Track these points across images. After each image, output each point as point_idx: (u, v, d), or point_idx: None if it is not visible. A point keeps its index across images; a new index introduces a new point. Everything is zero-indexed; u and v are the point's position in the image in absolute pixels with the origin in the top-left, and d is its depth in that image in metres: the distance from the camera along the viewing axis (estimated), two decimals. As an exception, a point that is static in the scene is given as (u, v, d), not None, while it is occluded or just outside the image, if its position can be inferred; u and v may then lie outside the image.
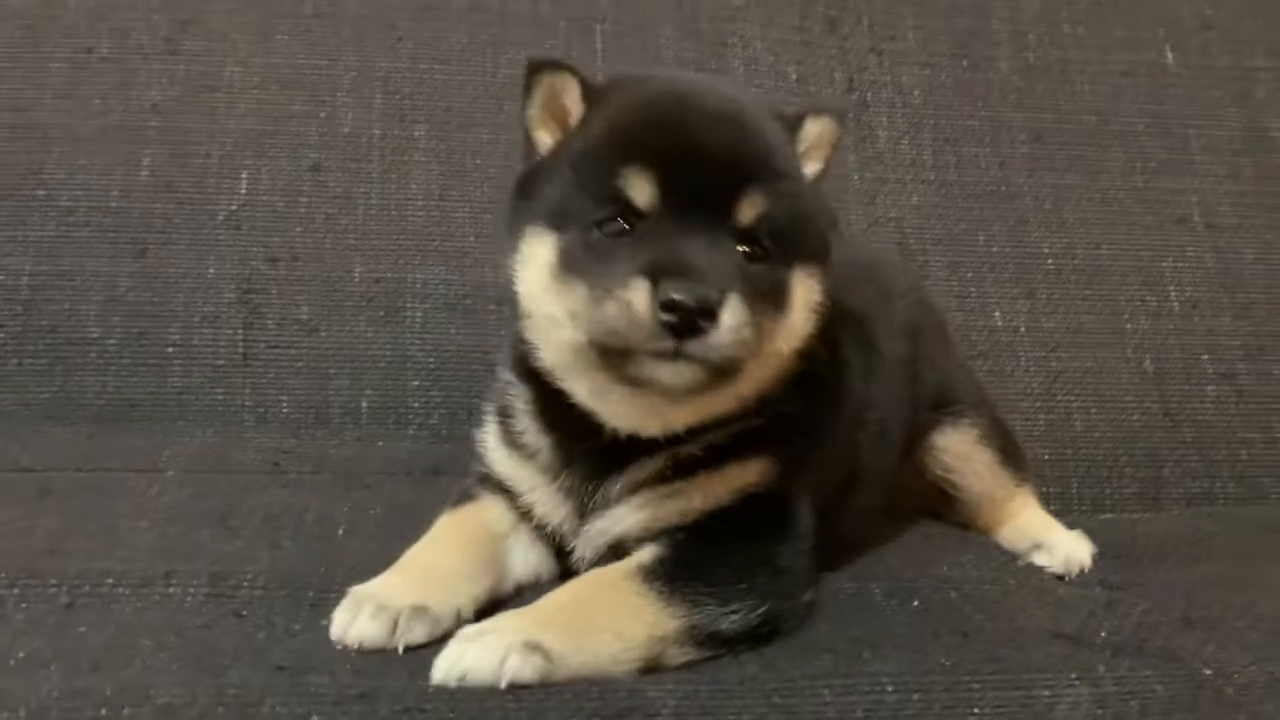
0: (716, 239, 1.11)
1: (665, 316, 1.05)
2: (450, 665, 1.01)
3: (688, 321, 1.05)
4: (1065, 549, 1.56)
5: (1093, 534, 1.63)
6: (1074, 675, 1.06)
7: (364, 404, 2.01)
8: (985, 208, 2.27)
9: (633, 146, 1.13)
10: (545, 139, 1.23)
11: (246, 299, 2.06)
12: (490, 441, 1.32)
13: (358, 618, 1.11)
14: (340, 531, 1.49)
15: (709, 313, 1.05)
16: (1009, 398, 2.09)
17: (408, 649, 1.10)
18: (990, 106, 2.36)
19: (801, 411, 1.24)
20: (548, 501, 1.27)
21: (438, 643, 1.09)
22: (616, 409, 1.19)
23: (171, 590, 1.24)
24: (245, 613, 1.20)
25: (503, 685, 0.99)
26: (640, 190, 1.11)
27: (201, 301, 2.05)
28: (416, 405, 2.02)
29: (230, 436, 1.89)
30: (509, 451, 1.29)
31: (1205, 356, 2.18)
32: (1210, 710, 1.01)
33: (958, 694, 1.02)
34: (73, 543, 1.39)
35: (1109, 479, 2.07)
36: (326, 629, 1.14)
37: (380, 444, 1.89)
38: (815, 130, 1.25)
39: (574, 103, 1.21)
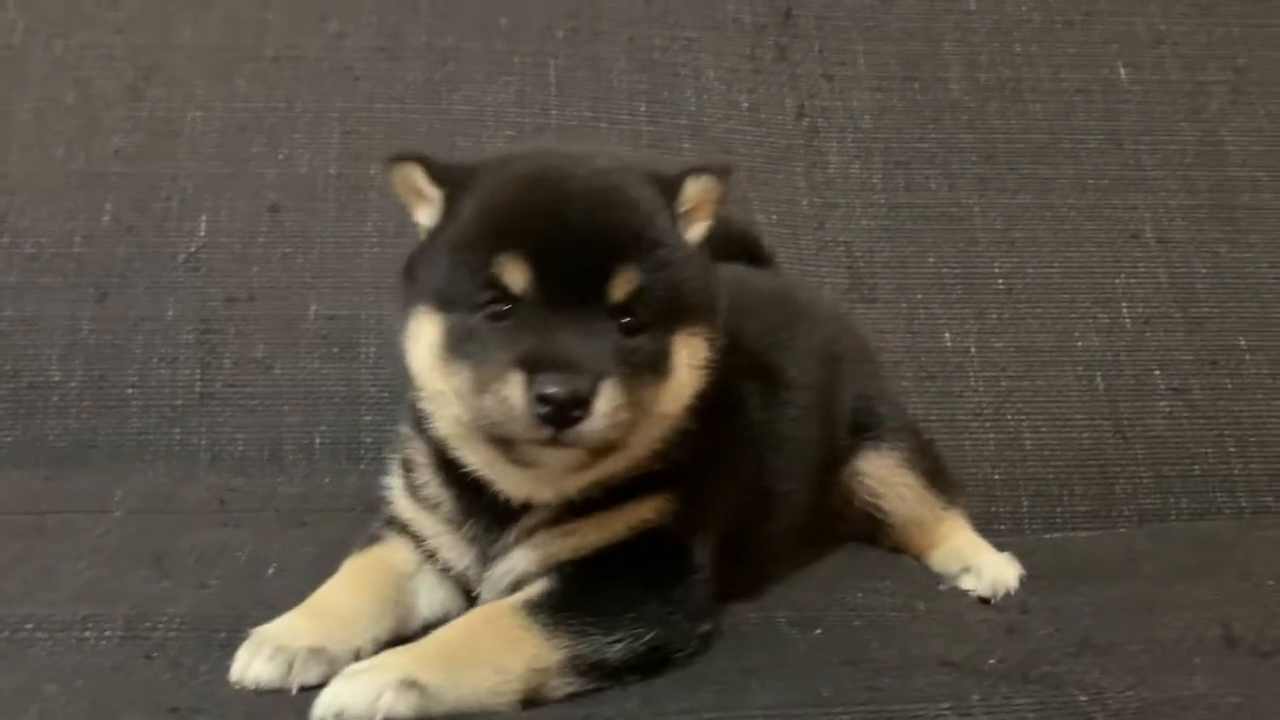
0: (591, 319, 1.13)
1: (540, 409, 1.08)
2: (328, 703, 1.04)
3: (562, 413, 1.08)
4: (992, 572, 1.57)
5: (1028, 555, 1.64)
6: (946, 705, 1.07)
7: (317, 440, 2.05)
8: (935, 230, 2.28)
9: (504, 233, 1.15)
10: (423, 221, 1.27)
11: (204, 339, 2.11)
12: (395, 490, 1.36)
13: (255, 659, 1.14)
14: (270, 570, 1.53)
15: (582, 403, 1.08)
16: (959, 419, 2.11)
17: (304, 689, 1.13)
18: (941, 128, 2.38)
19: (698, 449, 1.26)
20: (452, 548, 1.30)
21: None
22: (508, 480, 1.23)
23: (87, 634, 1.28)
24: (155, 655, 1.24)
25: None
26: (514, 276, 1.13)
27: (160, 343, 2.10)
28: (369, 440, 2.05)
29: (182, 476, 1.94)
30: (412, 501, 1.32)
31: (1157, 372, 2.18)
32: (1075, 737, 1.02)
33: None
34: (6, 587, 1.44)
35: (1060, 497, 2.07)
36: (227, 669, 1.17)
37: (327, 480, 1.93)
38: (696, 190, 1.24)
39: (428, 188, 1.25)
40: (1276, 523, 1.97)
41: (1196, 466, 2.11)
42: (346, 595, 1.27)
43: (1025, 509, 2.06)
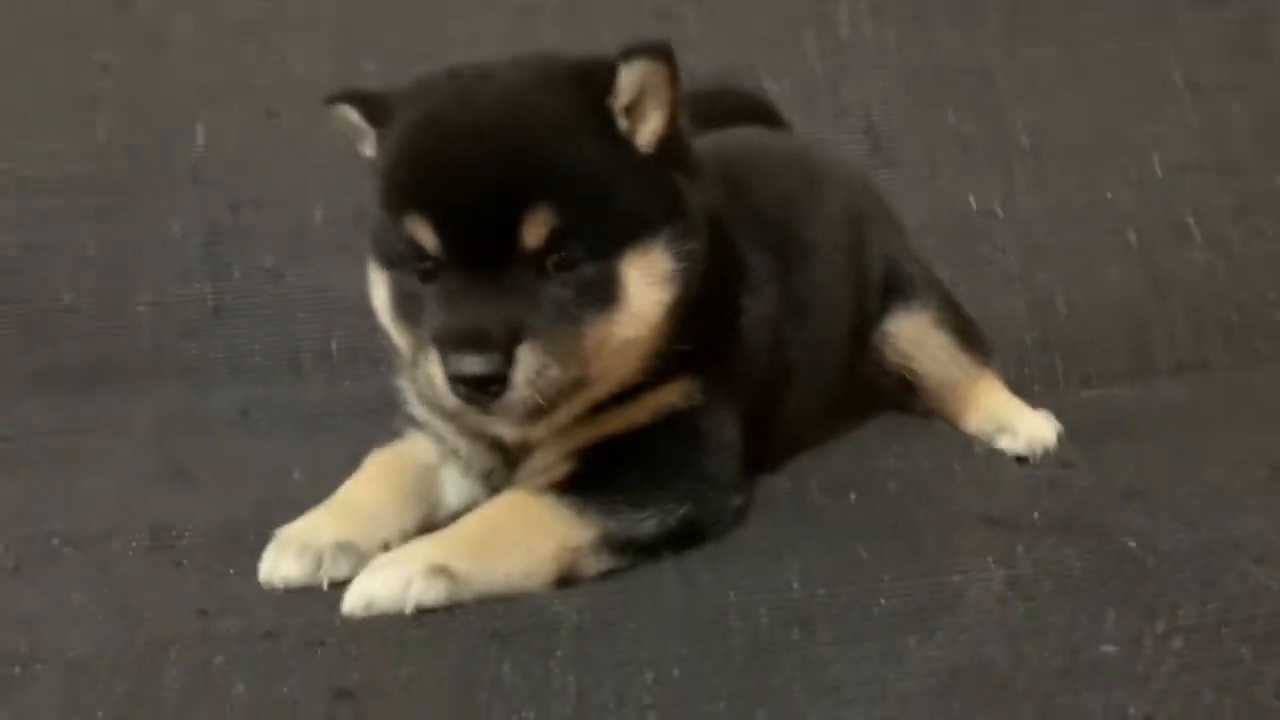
0: (508, 273, 1.07)
1: (457, 389, 1.05)
2: (357, 594, 1.02)
3: (479, 391, 1.05)
4: (1029, 430, 1.54)
5: (1065, 413, 1.60)
6: (991, 559, 1.04)
7: (334, 346, 2.01)
8: (955, 88, 2.20)
9: (407, 193, 1.10)
10: (370, 155, 1.22)
11: (212, 251, 2.06)
12: (409, 395, 1.32)
13: (282, 557, 1.13)
14: (295, 475, 1.51)
15: (499, 378, 1.04)
16: (988, 281, 2.05)
17: (334, 585, 1.11)
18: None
19: (716, 326, 1.22)
20: (475, 454, 1.27)
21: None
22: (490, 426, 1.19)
23: (113, 546, 1.26)
24: (183, 562, 1.22)
25: (408, 610, 1.00)
26: (425, 237, 1.09)
27: (169, 258, 2.06)
28: (386, 343, 2.02)
29: (202, 390, 1.91)
30: (429, 408, 1.28)
31: (1192, 221, 2.11)
32: (1126, 581, 0.98)
33: (864, 586, 1.00)
34: (32, 508, 1.43)
35: (1096, 355, 2.02)
36: (253, 572, 1.16)
37: (348, 384, 1.90)
38: (632, 79, 1.11)
39: (365, 126, 1.20)
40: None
41: (1235, 315, 2.05)
42: (371, 490, 1.24)
43: (1061, 369, 2.01)
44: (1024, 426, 1.54)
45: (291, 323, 2.02)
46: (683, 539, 1.14)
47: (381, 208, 1.14)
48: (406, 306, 1.14)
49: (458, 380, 1.05)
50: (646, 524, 1.11)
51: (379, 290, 1.19)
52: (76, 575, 1.20)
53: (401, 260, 1.13)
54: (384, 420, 1.72)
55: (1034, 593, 0.98)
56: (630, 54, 1.11)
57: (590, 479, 1.14)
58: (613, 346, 1.12)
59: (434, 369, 1.07)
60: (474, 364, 1.03)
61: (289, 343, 2.01)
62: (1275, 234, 2.10)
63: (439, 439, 1.30)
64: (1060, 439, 1.53)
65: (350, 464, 1.51)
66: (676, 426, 1.19)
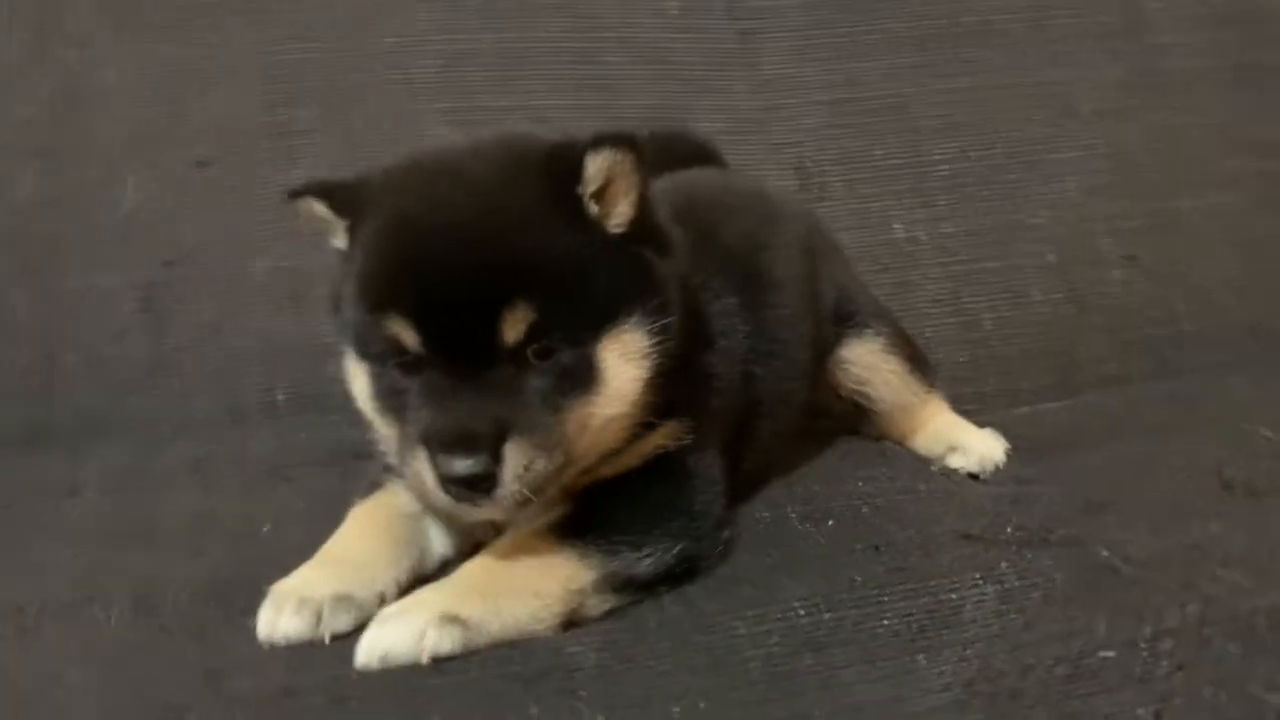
0: (491, 368, 1.08)
1: (449, 488, 1.07)
2: (371, 648, 1.03)
3: (470, 489, 1.06)
4: (979, 448, 1.60)
5: (1006, 430, 1.67)
6: (978, 575, 1.09)
7: (280, 396, 1.99)
8: (878, 122, 2.28)
9: (386, 294, 1.11)
10: (339, 245, 1.23)
11: (148, 306, 2.03)
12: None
13: (281, 614, 1.12)
14: (265, 529, 1.49)
15: (488, 477, 1.05)
16: (918, 306, 2.13)
17: (334, 639, 1.11)
18: (873, 18, 2.36)
19: (695, 369, 1.26)
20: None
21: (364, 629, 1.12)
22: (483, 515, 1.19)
23: (95, 615, 1.24)
24: (172, 628, 1.20)
25: (424, 660, 1.01)
26: (406, 336, 1.10)
27: (102, 315, 2.02)
28: (334, 390, 1.99)
29: (147, 448, 1.87)
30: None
31: (1107, 240, 2.23)
32: (1108, 589, 1.05)
33: (866, 609, 1.05)
34: (-5, 578, 1.39)
35: (1024, 373, 2.11)
36: (253, 630, 1.15)
37: (302, 435, 1.88)
38: (597, 167, 1.13)
39: (333, 219, 1.21)
40: (1231, 375, 2.02)
41: (1150, 329, 2.17)
42: (360, 541, 1.24)
43: (990, 388, 2.09)
44: (974, 445, 1.61)
45: (234, 376, 2.00)
46: (679, 574, 1.17)
47: (359, 306, 1.14)
48: (389, 400, 1.15)
49: (449, 481, 1.06)
50: (645, 562, 1.14)
51: (359, 381, 1.20)
52: (62, 647, 1.17)
53: (381, 355, 1.14)
54: (343, 473, 1.75)
55: (1025, 605, 1.03)
56: (597, 143, 1.13)
57: (586, 521, 1.16)
58: (594, 427, 1.14)
59: (423, 467, 1.08)
60: (463, 465, 1.05)
61: (233, 395, 1.99)
62: (1181, 251, 2.23)
63: None
64: (1008, 455, 1.60)
65: (316, 515, 1.51)
66: (666, 467, 1.22)
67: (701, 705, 0.91)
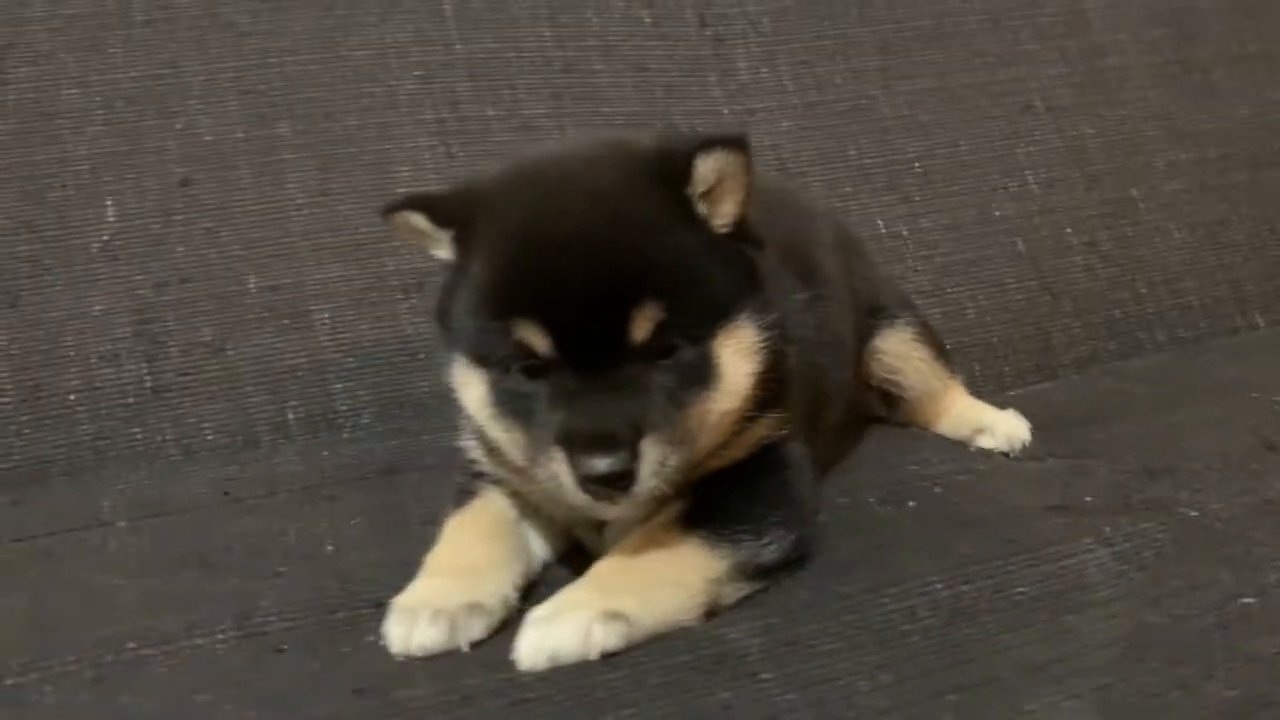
0: (622, 368, 1.11)
1: (588, 487, 1.08)
2: (537, 648, 1.04)
3: (608, 489, 1.08)
4: (1005, 428, 1.69)
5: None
6: (1089, 540, 1.16)
7: (290, 416, 1.96)
8: (849, 123, 2.36)
9: (515, 301, 1.13)
10: (442, 256, 1.24)
11: (143, 330, 1.97)
12: (476, 451, 1.33)
13: (415, 625, 1.12)
14: (329, 549, 1.47)
15: (626, 475, 1.08)
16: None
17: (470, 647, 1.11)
18: (835, 24, 2.44)
19: (781, 368, 1.28)
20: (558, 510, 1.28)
21: (492, 636, 1.13)
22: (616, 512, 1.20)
23: (199, 641, 1.21)
24: (285, 647, 1.18)
25: (595, 656, 1.02)
26: (535, 341, 1.11)
27: (94, 341, 1.95)
28: (344, 408, 1.98)
29: (164, 475, 1.82)
30: (501, 465, 1.29)
31: (1069, 230, 2.35)
32: (1213, 544, 1.13)
33: (998, 578, 1.10)
34: (56, 615, 1.33)
35: (1006, 358, 2.22)
36: (372, 646, 1.14)
37: (324, 454, 1.85)
38: (707, 169, 1.16)
39: (435, 230, 1.21)
40: (1202, 351, 2.17)
41: (1117, 310, 2.30)
42: (471, 550, 1.25)
43: (977, 373, 2.18)
44: (1000, 426, 1.69)
45: (240, 398, 1.96)
46: (794, 560, 1.20)
47: (480, 314, 1.16)
48: (512, 405, 1.16)
49: (589, 480, 1.08)
50: (770, 549, 1.17)
51: (474, 388, 1.20)
52: (178, 678, 1.14)
53: (503, 361, 1.15)
54: (381, 485, 1.74)
55: (1144, 564, 1.11)
56: (707, 145, 1.16)
57: (704, 513, 1.18)
58: (711, 422, 1.17)
59: (560, 469, 1.09)
60: (604, 464, 1.06)
61: (240, 417, 1.95)
62: (1136, 237, 2.37)
63: (514, 496, 1.32)
64: (1032, 434, 1.69)
65: (377, 531, 1.52)
66: (770, 457, 1.26)
67: (884, 678, 0.95)
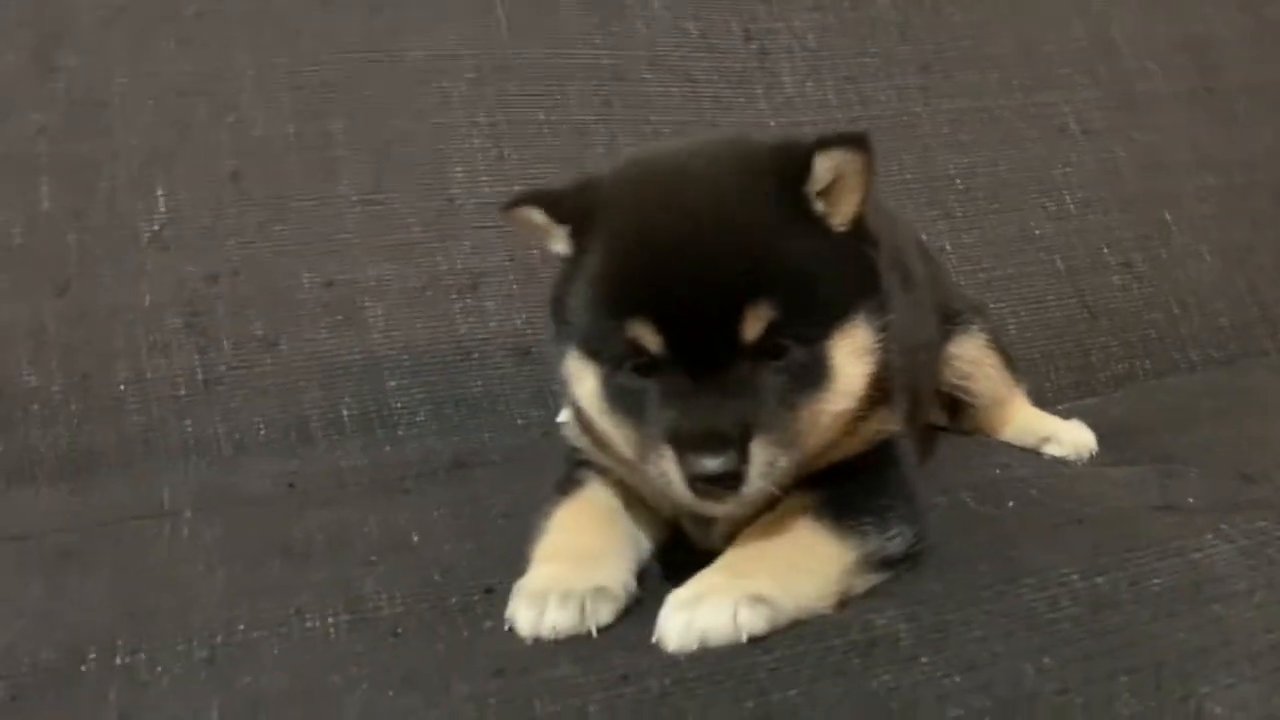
0: (733, 367, 1.10)
1: (697, 486, 1.08)
2: (686, 630, 1.03)
3: (716, 488, 1.08)
4: (1071, 437, 1.70)
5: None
6: (1210, 536, 1.17)
7: (345, 413, 1.93)
8: (892, 139, 2.37)
9: (630, 299, 1.12)
10: (559, 250, 1.24)
11: (194, 322, 1.94)
12: (582, 441, 1.32)
13: (546, 609, 1.10)
14: (415, 539, 1.45)
15: (735, 475, 1.07)
16: (952, 311, 2.23)
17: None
18: (877, 42, 2.47)
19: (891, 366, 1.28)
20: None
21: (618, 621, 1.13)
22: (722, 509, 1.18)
23: (311, 625, 1.19)
24: (401, 630, 1.17)
25: (744, 639, 1.02)
26: (648, 339, 1.11)
27: (145, 331, 1.92)
28: (399, 405, 1.96)
29: (223, 467, 1.79)
30: (608, 456, 1.29)
31: (1105, 250, 2.39)
32: (1334, 543, 1.14)
33: (1130, 570, 1.11)
34: (144, 599, 1.30)
35: (1047, 374, 2.23)
36: (494, 631, 1.13)
37: (387, 449, 1.83)
38: (826, 167, 1.14)
39: (553, 226, 1.22)
40: (1234, 371, 2.21)
41: (1152, 331, 2.33)
42: (586, 536, 1.24)
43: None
44: (1066, 435, 1.71)
45: (294, 391, 1.93)
46: (915, 554, 1.20)
47: (596, 310, 1.15)
48: (624, 401, 1.15)
49: (698, 479, 1.07)
50: (895, 541, 1.17)
51: (586, 382, 1.19)
52: (293, 657, 1.12)
53: (615, 356, 1.14)
54: (456, 478, 1.73)
55: (1273, 558, 1.12)
56: (825, 143, 1.14)
57: (831, 503, 1.18)
58: (824, 424, 1.17)
59: (669, 467, 1.09)
60: (713, 464, 1.06)
61: (294, 412, 1.92)
62: (1170, 258, 2.41)
63: (619, 485, 1.31)
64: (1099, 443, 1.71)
65: (466, 523, 1.50)
66: (884, 452, 1.26)
67: (1047, 661, 0.95)
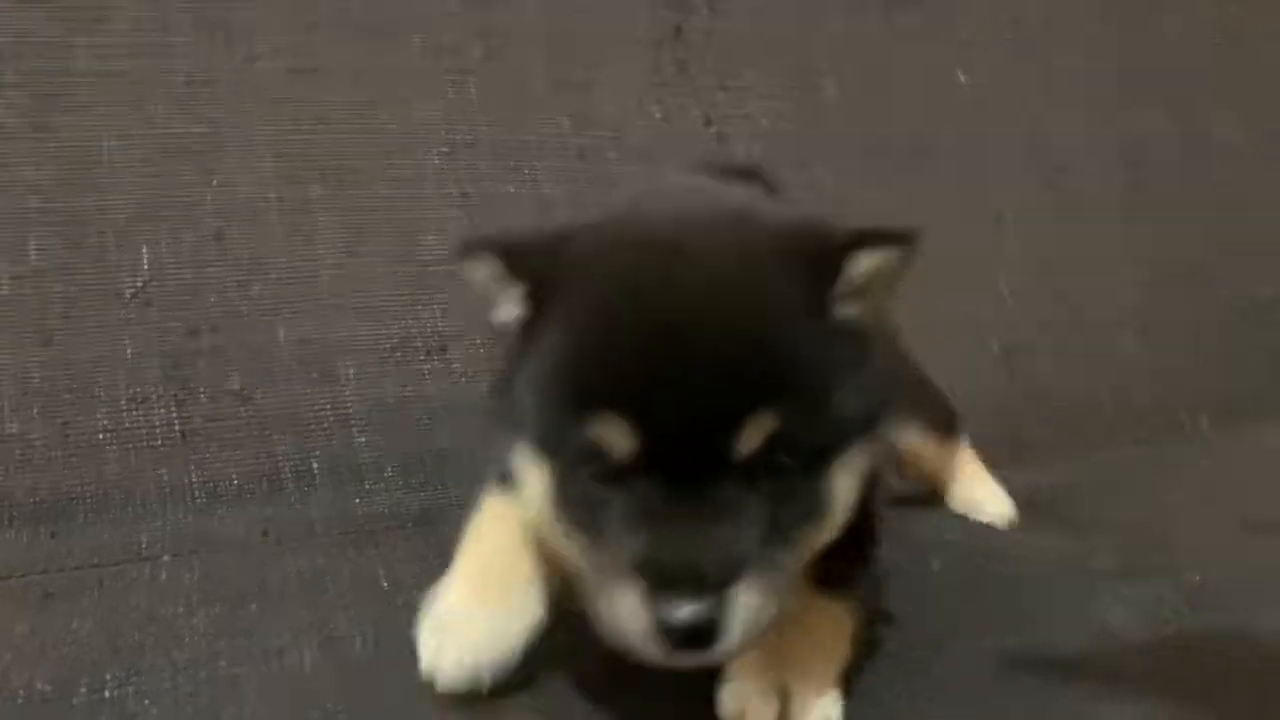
0: (717, 485, 0.91)
1: (663, 639, 0.89)
2: None
3: (688, 641, 0.89)
4: (994, 506, 1.87)
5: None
6: (1108, 599, 1.30)
7: (315, 465, 2.02)
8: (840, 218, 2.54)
9: (597, 389, 0.93)
10: (504, 318, 1.06)
11: (173, 375, 2.02)
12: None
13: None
14: (385, 585, 1.54)
15: (712, 628, 0.88)
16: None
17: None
18: (824, 129, 2.65)
19: None
20: None
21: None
22: None
23: (290, 662, 1.27)
24: (381, 671, 1.25)
25: None
26: (615, 441, 0.92)
27: (125, 383, 2.00)
28: (368, 460, 2.05)
29: (197, 515, 1.87)
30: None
31: (1036, 333, 2.57)
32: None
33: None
34: (130, 638, 1.37)
35: (980, 448, 2.38)
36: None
37: (356, 501, 1.92)
38: (865, 269, 0.99)
39: (508, 283, 1.03)
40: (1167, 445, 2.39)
41: (1078, 409, 2.51)
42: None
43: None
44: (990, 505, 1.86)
45: (266, 443, 2.02)
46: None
47: (553, 397, 0.97)
48: (580, 512, 0.97)
49: (669, 630, 0.88)
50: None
51: (533, 479, 1.01)
52: (274, 692, 1.20)
53: (565, 453, 0.96)
54: (419, 532, 1.82)
55: (1168, 617, 1.25)
56: (868, 240, 0.99)
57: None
58: (811, 553, 1.01)
59: (630, 606, 0.90)
60: (688, 612, 0.87)
61: (266, 464, 2.00)
62: (1097, 342, 2.60)
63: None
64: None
65: (431, 574, 1.57)
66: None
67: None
